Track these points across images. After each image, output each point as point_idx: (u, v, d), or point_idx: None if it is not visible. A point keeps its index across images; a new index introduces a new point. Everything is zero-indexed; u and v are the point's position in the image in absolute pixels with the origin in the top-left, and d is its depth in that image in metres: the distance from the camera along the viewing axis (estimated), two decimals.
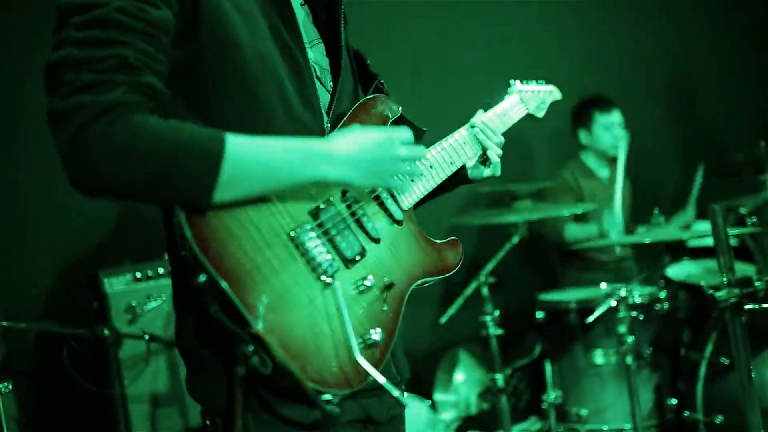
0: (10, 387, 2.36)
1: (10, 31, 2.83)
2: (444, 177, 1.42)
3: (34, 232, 2.85)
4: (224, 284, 1.02)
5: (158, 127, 1.04)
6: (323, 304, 1.12)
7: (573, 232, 3.48)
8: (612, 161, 3.74)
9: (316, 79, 1.28)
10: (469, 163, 1.51)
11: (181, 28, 1.11)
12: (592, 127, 3.63)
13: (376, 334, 1.16)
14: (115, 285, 2.66)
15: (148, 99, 1.07)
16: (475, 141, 1.49)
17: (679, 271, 3.18)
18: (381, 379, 1.11)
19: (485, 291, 2.63)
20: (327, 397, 1.07)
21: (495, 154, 1.51)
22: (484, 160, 1.52)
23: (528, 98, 1.70)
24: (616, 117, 3.62)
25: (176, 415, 2.68)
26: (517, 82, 1.69)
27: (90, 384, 2.44)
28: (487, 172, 1.53)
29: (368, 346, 1.15)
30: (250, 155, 1.07)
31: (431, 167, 1.39)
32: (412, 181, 1.33)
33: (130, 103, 1.03)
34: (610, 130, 3.60)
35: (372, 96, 1.35)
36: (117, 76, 1.03)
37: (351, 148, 1.17)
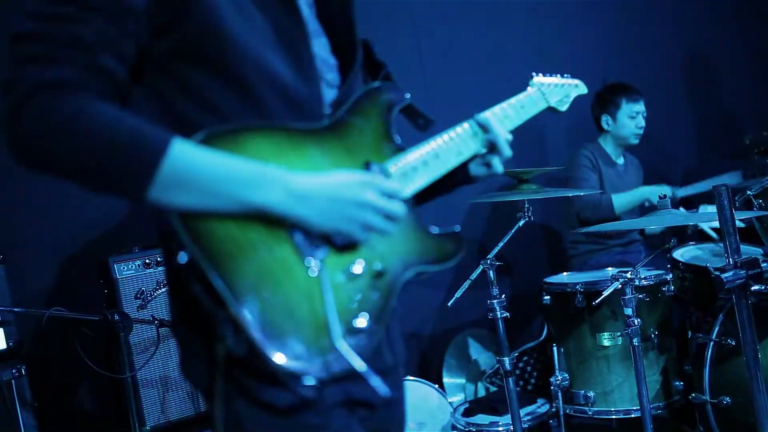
0: (23, 372, 2.39)
1: None
2: (450, 166, 1.35)
3: (43, 218, 2.87)
4: (203, 262, 1.01)
5: (102, 113, 1.02)
6: (307, 287, 1.09)
7: (620, 201, 3.50)
8: (627, 150, 3.76)
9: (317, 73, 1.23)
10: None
11: (165, 16, 1.09)
12: (617, 115, 3.65)
13: (362, 321, 1.13)
14: (125, 271, 2.68)
15: (101, 81, 1.05)
16: (480, 134, 1.41)
17: (685, 253, 3.18)
18: (359, 366, 1.08)
19: (492, 274, 2.63)
20: (308, 381, 1.05)
21: (499, 152, 1.42)
22: (487, 156, 1.43)
23: (549, 91, 1.63)
24: (641, 107, 3.66)
25: (186, 399, 2.71)
26: (540, 74, 1.63)
27: (101, 369, 2.47)
28: (489, 169, 1.44)
29: (354, 333, 1.12)
30: (193, 163, 1.03)
31: (437, 156, 1.32)
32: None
33: (77, 82, 1.02)
34: (635, 119, 3.64)
35: (378, 84, 1.29)
36: (69, 53, 1.02)
37: (310, 181, 1.09)
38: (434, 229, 1.30)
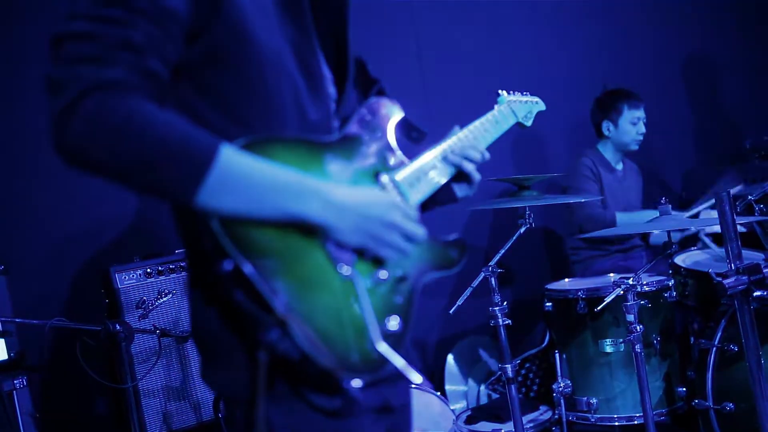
0: (25, 383, 2.39)
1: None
2: (446, 178, 1.41)
3: (45, 228, 2.88)
4: (249, 268, 1.03)
5: (153, 116, 1.04)
6: (343, 293, 1.13)
7: (623, 221, 3.51)
8: (626, 155, 3.77)
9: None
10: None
11: (198, 23, 1.11)
12: (619, 121, 3.65)
13: (395, 324, 1.18)
14: (126, 280, 2.69)
15: (149, 83, 1.06)
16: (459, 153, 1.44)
17: (687, 258, 3.18)
18: (401, 364, 1.13)
19: (493, 281, 2.63)
20: (355, 383, 1.09)
21: (474, 168, 1.45)
22: (464, 175, 1.45)
23: (517, 108, 1.73)
24: (642, 113, 3.67)
25: (188, 409, 2.71)
26: (505, 92, 1.74)
27: (103, 379, 2.47)
28: (466, 189, 1.48)
29: (387, 335, 1.16)
30: (240, 169, 1.05)
31: (434, 167, 1.38)
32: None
33: (129, 83, 1.03)
34: (636, 126, 3.65)
35: (374, 99, 1.35)
36: (120, 54, 1.03)
37: (345, 195, 1.13)
38: (442, 237, 1.36)
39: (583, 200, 3.33)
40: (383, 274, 1.20)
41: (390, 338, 1.16)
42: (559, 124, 3.97)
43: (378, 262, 1.20)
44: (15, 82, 2.83)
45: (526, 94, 1.81)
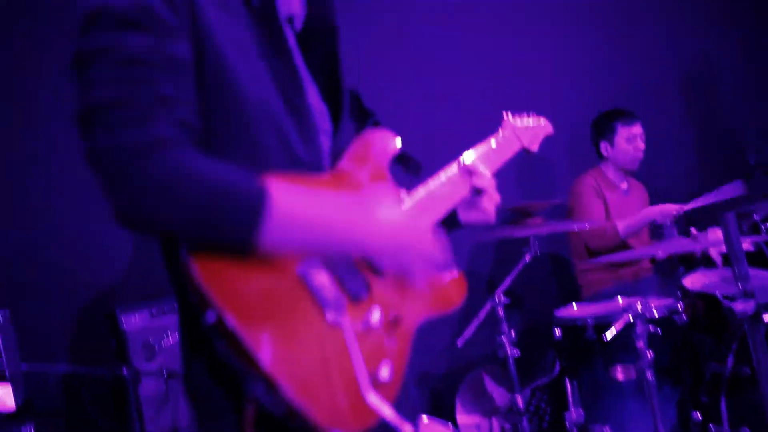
0: (32, 430, 2.37)
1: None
2: (445, 211, 1.37)
3: (49, 272, 2.87)
4: (231, 320, 1.00)
5: (204, 168, 1.05)
6: (332, 341, 1.09)
7: (626, 226, 3.46)
8: (629, 174, 3.76)
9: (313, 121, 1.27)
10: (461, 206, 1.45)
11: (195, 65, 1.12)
12: (615, 140, 3.65)
13: (385, 371, 1.13)
14: (132, 322, 2.67)
15: (187, 135, 1.08)
16: (467, 181, 1.42)
17: (695, 280, 3.15)
18: (391, 417, 1.09)
19: (501, 311, 2.62)
20: None
21: (488, 196, 1.43)
22: (477, 202, 1.44)
23: (521, 132, 1.66)
24: (638, 129, 3.67)
25: None
26: (509, 114, 1.67)
27: (111, 423, 2.45)
28: (482, 216, 1.45)
29: (378, 384, 1.12)
30: (292, 210, 1.07)
31: (432, 201, 1.35)
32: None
33: (172, 138, 1.05)
34: (632, 143, 3.64)
35: (369, 131, 1.33)
36: (155, 111, 1.05)
37: (391, 222, 1.15)
38: (441, 274, 1.32)
39: (587, 226, 3.32)
40: (375, 316, 1.16)
41: (381, 387, 1.12)
42: (562, 146, 3.97)
43: (368, 302, 1.16)
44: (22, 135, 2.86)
45: (531, 116, 1.74)
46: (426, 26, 3.85)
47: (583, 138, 3.87)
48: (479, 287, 3.74)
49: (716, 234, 3.51)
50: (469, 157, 1.45)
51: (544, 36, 4.22)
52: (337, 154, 1.30)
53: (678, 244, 2.52)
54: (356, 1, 3.36)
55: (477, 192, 1.43)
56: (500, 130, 1.62)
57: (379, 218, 1.14)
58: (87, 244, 2.93)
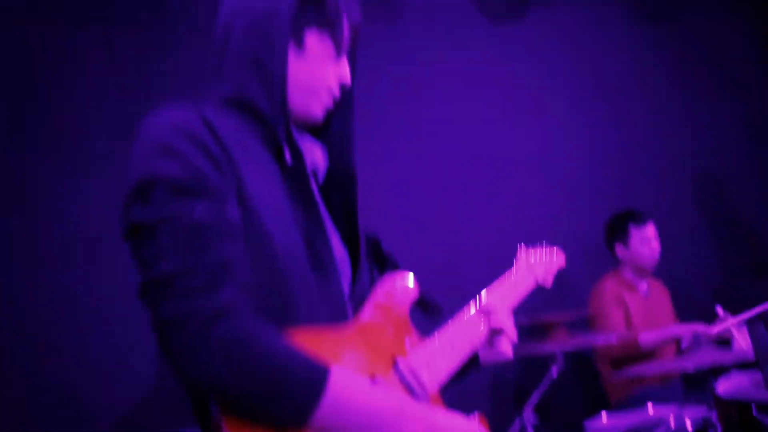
0: None
1: None
2: (466, 353, 1.38)
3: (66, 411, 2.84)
4: None
5: (268, 337, 1.07)
6: None
7: (647, 338, 3.43)
8: (648, 274, 3.73)
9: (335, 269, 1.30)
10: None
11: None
12: (629, 242, 3.64)
13: None
14: None
15: (249, 298, 1.09)
16: (485, 321, 1.43)
17: (727, 386, 3.07)
18: None
19: (530, 430, 2.56)
20: None
21: (506, 336, 1.45)
22: (494, 342, 1.45)
23: (536, 267, 1.68)
24: (651, 230, 3.66)
25: None
26: (523, 246, 1.70)
27: None
28: (498, 355, 1.46)
29: None
30: (348, 399, 1.08)
31: (452, 344, 1.36)
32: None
33: (237, 305, 1.06)
34: (647, 244, 3.63)
35: (388, 277, 1.36)
36: (221, 277, 1.07)
37: (436, 420, 1.14)
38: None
39: (613, 340, 3.27)
40: None
41: None
42: (578, 250, 3.96)
43: None
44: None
45: (544, 248, 1.76)
46: (436, 120, 3.89)
47: (597, 239, 3.86)
48: (505, 399, 3.66)
49: (726, 317, 3.45)
50: (486, 296, 1.47)
51: (554, 140, 4.25)
52: (356, 299, 1.32)
53: (708, 357, 2.47)
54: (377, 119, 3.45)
55: (496, 332, 1.44)
56: (515, 266, 1.64)
57: (425, 420, 1.13)
58: (106, 375, 2.91)
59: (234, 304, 1.06)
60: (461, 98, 3.97)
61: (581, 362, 4.04)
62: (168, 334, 1.05)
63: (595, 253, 3.98)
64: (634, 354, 3.42)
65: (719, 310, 3.42)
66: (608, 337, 3.15)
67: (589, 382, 3.98)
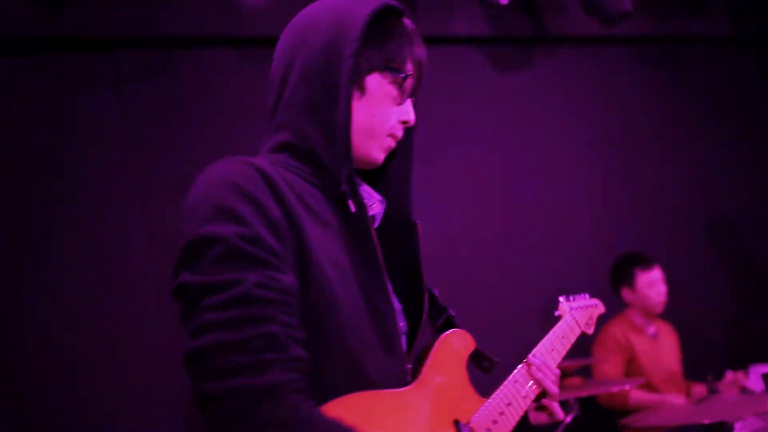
0: None
1: None
2: (521, 413, 1.35)
3: None
4: None
5: (314, 419, 1.04)
6: None
7: (637, 397, 3.43)
8: (656, 317, 3.71)
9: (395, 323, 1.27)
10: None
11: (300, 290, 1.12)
12: (635, 286, 3.63)
13: None
14: None
15: (299, 373, 1.04)
16: (532, 379, 1.40)
17: (746, 428, 3.04)
18: None
19: None
20: None
21: (552, 393, 1.41)
22: (542, 401, 1.43)
23: (579, 316, 1.65)
24: (657, 273, 3.64)
25: None
26: (564, 298, 1.66)
27: None
28: (550, 416, 1.43)
29: None
30: None
31: (510, 405, 1.33)
32: None
33: (287, 382, 1.02)
34: (654, 288, 3.61)
35: (448, 333, 1.34)
36: (269, 354, 1.01)
37: None
38: None
39: (627, 387, 3.24)
40: None
41: None
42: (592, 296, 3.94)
43: None
44: None
45: (586, 297, 1.72)
46: (443, 167, 3.87)
47: (604, 282, 3.84)
48: None
49: (735, 376, 3.42)
50: (536, 352, 1.45)
51: (562, 186, 4.24)
52: (415, 356, 1.29)
53: (725, 407, 2.46)
54: None
55: (544, 393, 1.42)
56: (561, 319, 1.61)
57: None
58: None
59: (280, 385, 1.01)
60: (468, 146, 4.00)
61: (596, 408, 3.99)
62: (210, 410, 1.01)
63: (612, 299, 3.96)
64: (621, 407, 3.42)
65: (710, 379, 3.35)
66: (623, 384, 3.13)
67: (605, 421, 3.92)
